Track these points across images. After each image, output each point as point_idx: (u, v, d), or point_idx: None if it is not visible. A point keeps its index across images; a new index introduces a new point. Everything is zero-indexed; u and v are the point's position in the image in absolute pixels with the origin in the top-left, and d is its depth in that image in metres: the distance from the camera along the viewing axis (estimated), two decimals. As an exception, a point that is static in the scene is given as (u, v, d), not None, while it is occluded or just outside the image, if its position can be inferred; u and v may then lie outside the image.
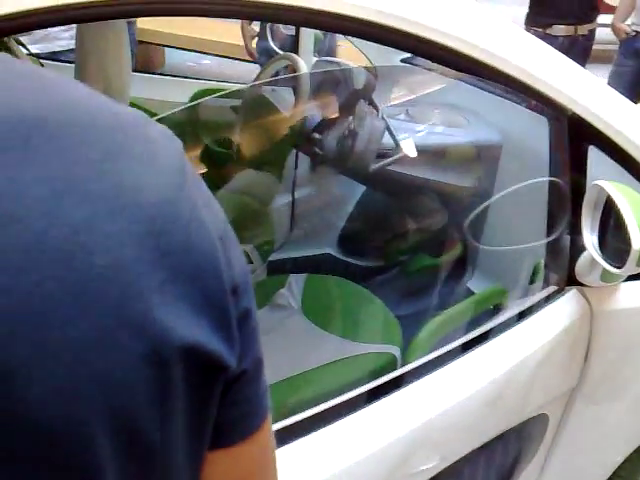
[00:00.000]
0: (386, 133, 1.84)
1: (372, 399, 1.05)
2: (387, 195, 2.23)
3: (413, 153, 1.85)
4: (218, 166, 1.92)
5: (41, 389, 0.33)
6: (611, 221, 1.19)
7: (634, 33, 3.78)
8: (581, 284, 1.29)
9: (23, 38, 2.06)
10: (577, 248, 1.25)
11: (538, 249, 1.38)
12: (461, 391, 1.13)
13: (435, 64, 1.83)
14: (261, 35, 3.35)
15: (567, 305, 1.28)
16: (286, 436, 0.93)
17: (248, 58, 3.66)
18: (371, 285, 1.92)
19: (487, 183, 1.99)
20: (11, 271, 0.32)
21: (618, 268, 1.16)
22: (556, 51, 1.27)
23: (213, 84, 2.55)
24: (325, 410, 1.00)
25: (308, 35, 2.44)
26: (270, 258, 2.01)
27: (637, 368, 1.40)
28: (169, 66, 4.95)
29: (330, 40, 3.16)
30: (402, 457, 1.06)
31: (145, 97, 2.01)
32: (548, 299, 1.29)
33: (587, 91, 1.24)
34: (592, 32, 3.80)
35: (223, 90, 2.38)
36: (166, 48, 4.90)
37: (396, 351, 1.56)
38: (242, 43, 3.57)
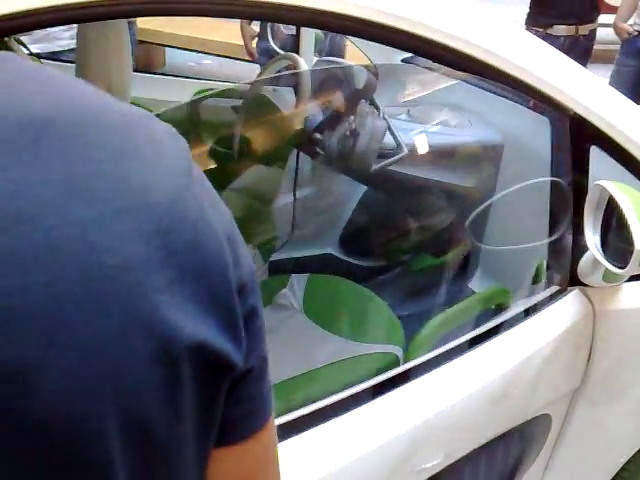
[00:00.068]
0: (387, 133, 1.83)
1: (375, 395, 1.05)
2: (388, 195, 2.23)
3: (425, 149, 1.85)
4: (219, 165, 1.91)
5: (53, 387, 0.33)
6: (613, 221, 1.18)
7: (636, 33, 3.78)
8: (583, 284, 1.28)
9: (23, 38, 2.05)
10: (579, 248, 1.25)
11: (540, 249, 1.37)
12: (463, 389, 1.13)
13: (436, 64, 1.84)
14: (261, 35, 3.35)
15: (569, 305, 1.27)
16: (289, 430, 0.93)
17: (249, 58, 3.66)
18: (373, 285, 1.92)
19: (489, 183, 1.99)
20: (22, 271, 0.32)
21: (621, 268, 1.16)
22: (557, 51, 1.27)
23: (214, 84, 2.54)
24: (328, 406, 1.00)
25: (309, 35, 2.44)
26: (271, 258, 2.00)
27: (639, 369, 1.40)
28: (169, 66, 4.95)
29: (339, 39, 3.15)
30: (406, 454, 1.06)
31: (146, 97, 2.00)
32: (550, 299, 1.28)
33: (589, 91, 1.24)
34: (593, 32, 3.80)
35: (224, 89, 2.38)
36: (166, 48, 4.90)
37: (398, 351, 1.56)
38: (242, 43, 3.57)
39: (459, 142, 2.04)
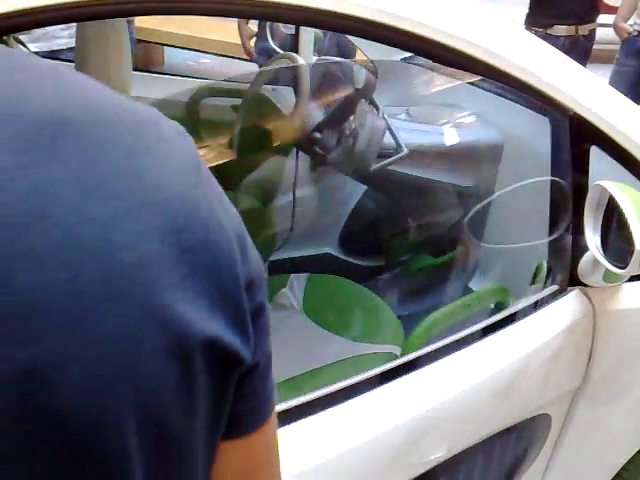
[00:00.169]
0: (387, 133, 1.83)
1: (375, 386, 1.06)
2: (388, 195, 2.23)
3: (424, 148, 1.85)
4: (218, 165, 1.91)
5: (72, 383, 0.34)
6: (614, 221, 1.18)
7: (636, 33, 3.78)
8: (584, 284, 1.28)
9: (22, 37, 2.05)
10: (579, 248, 1.25)
11: (540, 249, 1.37)
12: (460, 384, 1.13)
13: (436, 64, 1.83)
14: (260, 35, 3.34)
15: (569, 305, 1.27)
16: (289, 417, 0.94)
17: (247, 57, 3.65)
18: (373, 285, 1.92)
19: (488, 183, 1.99)
20: (44, 268, 0.33)
21: (621, 268, 1.16)
22: (557, 51, 1.26)
23: (213, 82, 2.54)
24: (328, 394, 1.00)
25: (308, 34, 2.44)
26: (271, 258, 2.00)
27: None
28: (168, 65, 4.95)
29: (345, 40, 3.11)
30: (405, 444, 1.06)
31: (145, 96, 2.00)
32: (550, 298, 1.28)
33: (589, 91, 1.24)
34: (593, 32, 3.80)
35: (223, 89, 2.37)
36: (165, 47, 4.90)
37: (397, 351, 1.56)
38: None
39: (458, 142, 2.04)
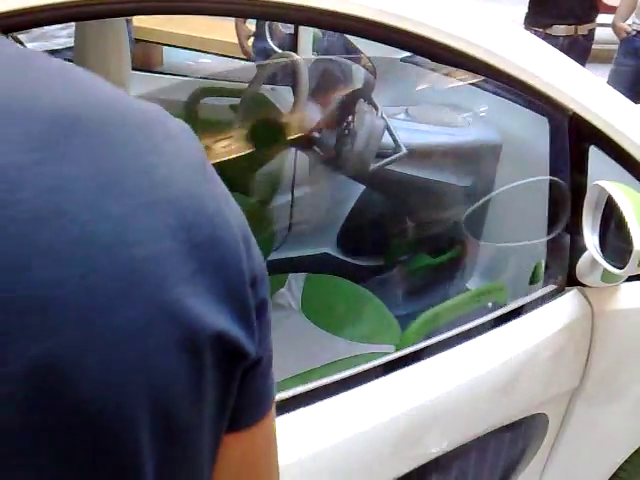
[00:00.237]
0: (386, 132, 1.83)
1: (373, 378, 1.06)
2: (386, 195, 2.23)
3: (423, 148, 1.84)
4: (217, 164, 1.91)
5: (90, 376, 0.35)
6: (612, 221, 1.18)
7: (634, 32, 3.78)
8: (582, 284, 1.28)
9: (21, 36, 2.05)
10: (578, 248, 1.25)
11: (538, 249, 1.37)
12: (455, 379, 1.13)
13: (435, 63, 1.83)
14: (257, 34, 3.33)
15: (567, 305, 1.27)
16: (290, 405, 0.95)
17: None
18: (371, 285, 1.92)
19: (487, 183, 1.99)
20: (60, 264, 0.34)
21: (619, 269, 1.16)
22: (557, 51, 1.26)
23: (212, 82, 2.54)
24: (329, 384, 1.01)
25: (307, 34, 2.43)
26: (269, 258, 2.00)
27: (638, 369, 1.40)
28: (167, 64, 4.94)
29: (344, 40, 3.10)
30: (401, 437, 1.07)
31: (144, 96, 2.00)
32: (548, 298, 1.28)
33: (588, 91, 1.24)
34: (592, 32, 3.80)
35: (222, 89, 2.37)
36: (164, 47, 4.89)
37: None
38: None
39: (457, 142, 2.04)
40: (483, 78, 1.48)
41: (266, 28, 3.07)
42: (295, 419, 0.97)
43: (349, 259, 2.26)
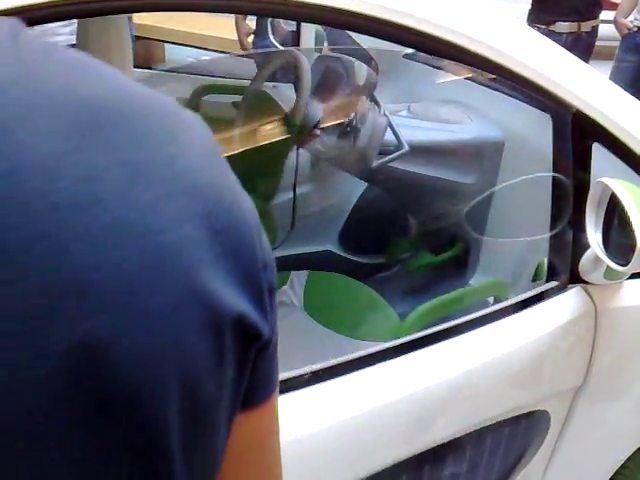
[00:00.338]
0: (388, 129, 1.83)
1: (375, 363, 1.08)
2: (389, 192, 2.22)
3: (426, 145, 1.83)
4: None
5: (125, 356, 0.36)
6: (615, 218, 1.18)
7: (636, 29, 3.77)
8: (585, 282, 1.28)
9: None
10: (581, 245, 1.25)
11: (541, 247, 1.37)
12: (453, 369, 1.14)
13: (437, 60, 1.83)
14: (258, 32, 3.32)
15: (570, 302, 1.27)
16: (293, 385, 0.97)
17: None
18: (373, 282, 1.91)
19: (489, 180, 1.99)
20: (97, 249, 0.36)
21: (622, 266, 1.16)
22: (560, 47, 1.26)
23: (214, 79, 2.54)
24: (336, 365, 1.04)
25: (309, 31, 2.43)
26: (271, 255, 2.00)
27: (641, 366, 1.40)
28: (169, 62, 4.93)
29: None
30: (399, 422, 1.08)
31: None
32: (551, 295, 1.28)
33: (591, 88, 1.24)
34: (595, 29, 3.79)
35: (224, 86, 2.37)
36: (166, 44, 4.88)
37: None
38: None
39: (460, 139, 2.04)
40: (486, 75, 1.47)
41: (268, 25, 3.07)
42: (306, 397, 0.99)
43: (351, 256, 2.25)
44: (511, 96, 1.76)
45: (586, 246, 1.22)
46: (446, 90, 2.05)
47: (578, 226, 1.24)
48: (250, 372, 0.44)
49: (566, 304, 1.27)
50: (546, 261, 1.34)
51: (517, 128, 1.90)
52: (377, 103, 1.83)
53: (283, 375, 0.96)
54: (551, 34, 3.53)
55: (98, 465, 0.38)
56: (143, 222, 0.37)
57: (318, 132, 1.83)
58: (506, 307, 1.26)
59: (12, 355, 0.34)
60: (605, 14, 3.94)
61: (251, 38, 3.46)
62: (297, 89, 1.89)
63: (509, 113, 1.91)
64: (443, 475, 1.27)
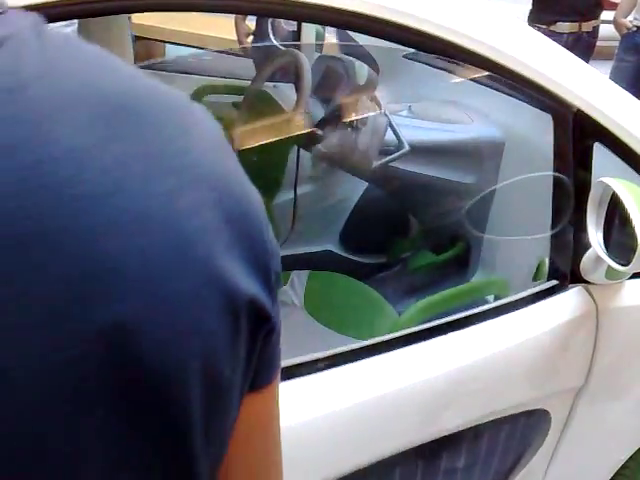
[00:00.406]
0: (389, 130, 1.83)
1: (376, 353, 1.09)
2: (389, 192, 2.22)
3: (426, 145, 1.83)
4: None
5: (152, 337, 0.38)
6: (616, 218, 1.18)
7: (635, 29, 3.77)
8: (586, 282, 1.28)
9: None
10: (582, 245, 1.25)
11: (542, 247, 1.37)
12: (449, 363, 1.14)
13: (438, 60, 1.82)
14: (257, 32, 3.32)
15: (571, 302, 1.27)
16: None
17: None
18: (373, 282, 1.91)
19: (490, 180, 1.99)
20: (123, 237, 0.37)
21: (624, 266, 1.16)
22: (561, 47, 1.26)
23: (214, 80, 2.54)
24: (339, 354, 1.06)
25: (310, 31, 2.43)
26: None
27: (642, 366, 1.40)
28: (167, 61, 4.92)
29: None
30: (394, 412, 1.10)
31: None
32: (552, 294, 1.28)
33: (592, 87, 1.24)
34: (596, 29, 3.79)
35: (225, 86, 2.37)
36: (167, 44, 4.88)
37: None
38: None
39: (460, 139, 2.04)
40: (487, 75, 1.47)
41: (269, 25, 3.07)
42: (317, 382, 1.01)
43: (352, 256, 2.26)
44: (512, 96, 1.76)
45: (587, 246, 1.22)
46: (447, 90, 2.05)
47: (579, 226, 1.24)
48: (257, 355, 0.45)
49: (567, 303, 1.27)
50: (547, 261, 1.34)
51: (518, 128, 1.90)
52: (378, 103, 1.83)
53: (292, 361, 0.99)
54: (552, 34, 3.52)
55: (124, 443, 0.39)
56: (164, 210, 0.39)
57: (319, 132, 1.83)
58: (507, 304, 1.26)
59: (46, 337, 0.35)
60: (605, 14, 3.94)
61: (251, 39, 3.46)
62: (298, 89, 1.89)
63: (510, 113, 1.91)
64: (440, 470, 1.27)
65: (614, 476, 1.52)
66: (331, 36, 2.61)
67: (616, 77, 3.63)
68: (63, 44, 0.41)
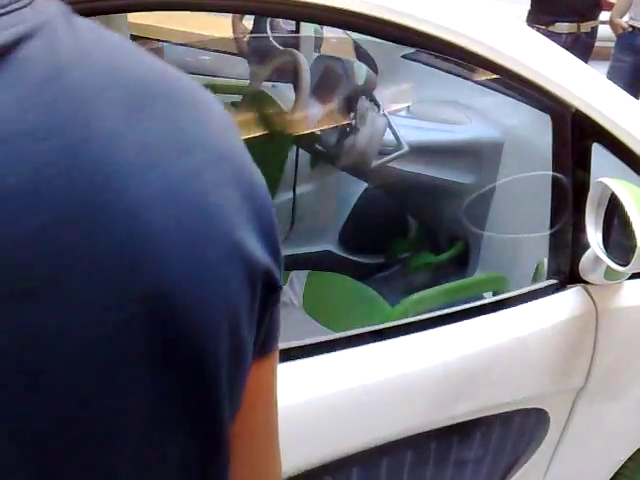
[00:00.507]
0: (387, 130, 1.83)
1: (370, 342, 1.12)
2: (388, 192, 2.23)
3: (425, 145, 1.83)
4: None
5: (188, 302, 0.41)
6: (615, 218, 1.18)
7: (630, 29, 3.78)
8: (585, 282, 1.28)
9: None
10: (581, 246, 1.24)
11: (541, 247, 1.37)
12: (443, 356, 1.15)
13: (437, 60, 1.82)
14: (254, 32, 3.31)
15: (570, 301, 1.27)
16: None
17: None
18: (372, 282, 1.91)
19: (488, 181, 1.99)
20: (159, 210, 0.40)
21: (623, 266, 1.16)
22: (560, 48, 1.26)
23: (213, 79, 2.54)
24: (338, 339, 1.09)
25: (308, 30, 2.43)
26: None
27: (641, 367, 1.40)
28: (167, 61, 4.92)
29: None
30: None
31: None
32: (551, 294, 1.28)
33: (590, 88, 1.24)
34: (595, 29, 3.79)
35: (223, 85, 2.37)
36: (165, 43, 4.88)
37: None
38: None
39: (459, 139, 2.04)
40: (486, 75, 1.47)
41: (267, 25, 3.06)
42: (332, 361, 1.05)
43: (351, 256, 2.26)
44: (510, 96, 1.76)
45: (586, 246, 1.22)
46: (445, 90, 2.04)
47: (578, 226, 1.23)
48: (264, 323, 0.48)
49: (566, 304, 1.27)
50: (546, 261, 1.34)
51: (516, 128, 1.90)
52: (376, 103, 1.83)
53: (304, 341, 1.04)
54: (550, 34, 3.53)
55: (162, 395, 0.42)
56: (191, 185, 0.42)
57: (317, 132, 1.83)
58: (504, 300, 1.26)
59: (99, 299, 0.39)
60: (604, 15, 3.94)
61: (247, 38, 3.46)
62: (296, 89, 1.88)
63: (508, 113, 1.91)
64: (429, 466, 1.27)
65: (614, 476, 1.52)
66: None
67: (613, 77, 3.63)
68: (90, 31, 0.43)
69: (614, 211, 1.17)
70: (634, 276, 1.29)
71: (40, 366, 0.37)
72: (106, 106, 0.40)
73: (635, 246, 1.11)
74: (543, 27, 3.61)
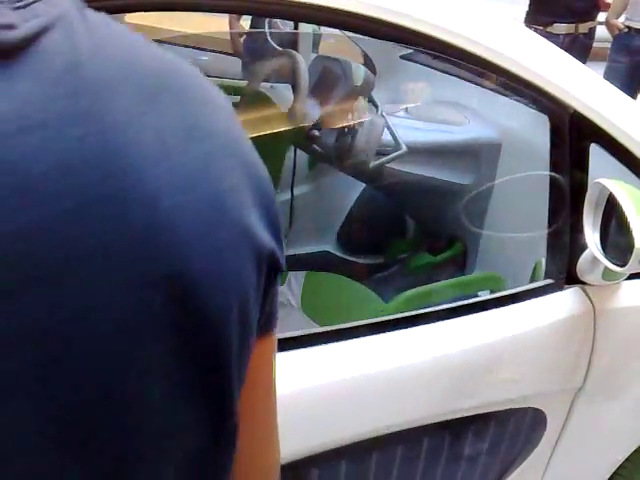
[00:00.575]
0: (386, 130, 1.83)
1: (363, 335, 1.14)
2: (386, 193, 2.22)
3: (423, 146, 1.83)
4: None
5: (204, 281, 0.43)
6: (613, 219, 1.18)
7: (626, 30, 3.78)
8: (583, 282, 1.28)
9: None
10: (579, 246, 1.25)
11: (539, 247, 1.37)
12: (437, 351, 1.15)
13: (435, 61, 1.82)
14: (252, 34, 3.31)
15: (567, 302, 1.27)
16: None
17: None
18: (370, 283, 1.91)
19: (486, 181, 1.99)
20: (176, 195, 0.42)
21: (620, 266, 1.16)
22: (558, 49, 1.26)
23: (212, 79, 2.53)
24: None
25: (306, 31, 2.43)
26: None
27: (639, 368, 1.39)
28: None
29: None
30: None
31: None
32: (548, 294, 1.28)
33: (588, 88, 1.24)
34: (593, 30, 3.79)
35: (222, 86, 2.36)
36: (163, 44, 4.87)
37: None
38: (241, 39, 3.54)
39: (457, 140, 2.04)
40: (484, 76, 1.47)
41: (266, 25, 3.06)
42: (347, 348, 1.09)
43: (349, 257, 2.26)
44: (508, 97, 1.76)
45: (584, 247, 1.22)
46: (443, 91, 2.05)
47: (576, 227, 1.24)
48: (267, 303, 0.50)
49: (564, 304, 1.27)
50: (544, 261, 1.34)
51: (514, 129, 1.90)
52: (374, 104, 1.83)
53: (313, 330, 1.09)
54: (548, 35, 3.53)
55: (178, 373, 0.44)
56: (203, 172, 0.44)
57: (316, 133, 1.83)
58: (500, 298, 1.26)
59: (123, 282, 0.41)
60: (602, 16, 3.95)
61: (243, 38, 3.46)
62: (294, 90, 1.88)
63: (506, 114, 1.91)
64: (420, 464, 1.27)
65: (611, 476, 1.52)
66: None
67: (609, 78, 3.62)
68: (103, 24, 0.45)
69: (612, 212, 1.17)
70: (632, 276, 1.29)
71: (65, 346, 0.39)
72: (120, 99, 0.41)
73: (633, 247, 1.12)
74: (541, 28, 3.61)
